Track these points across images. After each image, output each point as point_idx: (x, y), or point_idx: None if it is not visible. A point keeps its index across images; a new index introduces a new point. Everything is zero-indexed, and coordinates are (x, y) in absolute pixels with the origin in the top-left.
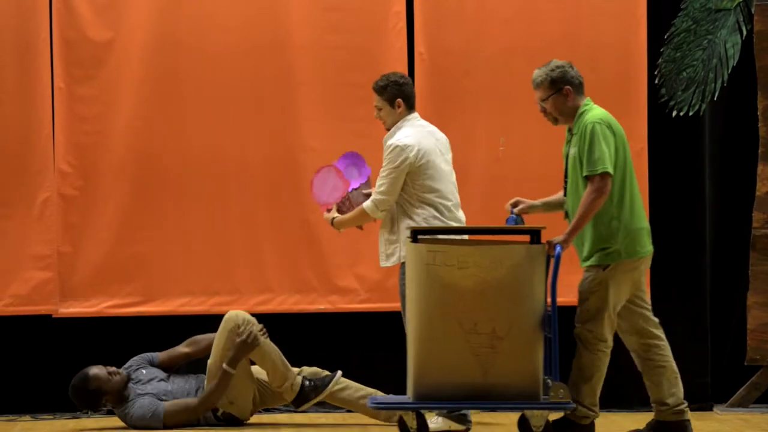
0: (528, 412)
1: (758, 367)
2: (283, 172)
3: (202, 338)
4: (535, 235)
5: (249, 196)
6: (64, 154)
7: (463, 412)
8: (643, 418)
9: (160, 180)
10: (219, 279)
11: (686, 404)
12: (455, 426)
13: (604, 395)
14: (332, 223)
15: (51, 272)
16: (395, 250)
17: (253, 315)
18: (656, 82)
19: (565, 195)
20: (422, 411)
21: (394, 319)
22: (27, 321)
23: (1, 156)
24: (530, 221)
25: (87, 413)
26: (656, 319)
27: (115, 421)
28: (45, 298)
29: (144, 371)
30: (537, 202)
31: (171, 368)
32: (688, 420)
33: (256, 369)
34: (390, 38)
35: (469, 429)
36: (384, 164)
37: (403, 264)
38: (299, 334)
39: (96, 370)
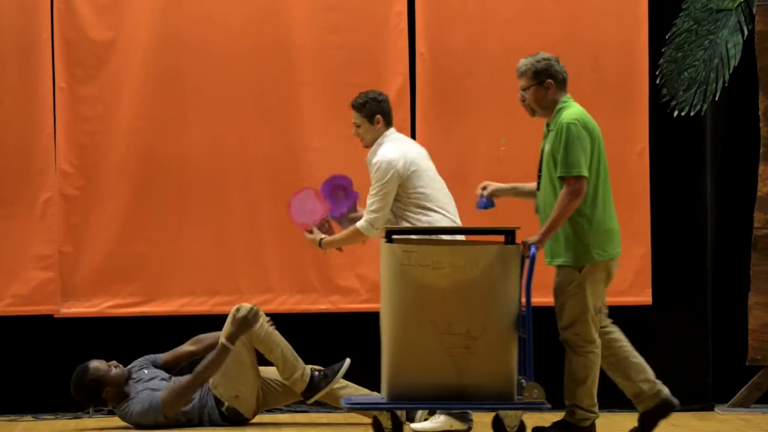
0: (502, 413)
1: (759, 367)
2: (284, 172)
3: (207, 337)
4: (509, 235)
5: (250, 196)
6: (66, 154)
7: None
8: None
9: (161, 180)
10: (220, 279)
11: (660, 382)
12: (457, 425)
13: (605, 395)
14: (319, 244)
15: (52, 272)
16: None
17: None
18: (657, 82)
19: (537, 189)
20: (397, 411)
21: None
22: (28, 321)
23: (3, 156)
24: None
25: (88, 413)
26: (607, 315)
27: (116, 422)
28: (46, 298)
29: (146, 371)
30: (506, 186)
31: (174, 368)
32: (668, 395)
33: (261, 369)
34: (391, 38)
35: (470, 428)
36: (373, 183)
37: None
38: (300, 334)
39: (96, 363)
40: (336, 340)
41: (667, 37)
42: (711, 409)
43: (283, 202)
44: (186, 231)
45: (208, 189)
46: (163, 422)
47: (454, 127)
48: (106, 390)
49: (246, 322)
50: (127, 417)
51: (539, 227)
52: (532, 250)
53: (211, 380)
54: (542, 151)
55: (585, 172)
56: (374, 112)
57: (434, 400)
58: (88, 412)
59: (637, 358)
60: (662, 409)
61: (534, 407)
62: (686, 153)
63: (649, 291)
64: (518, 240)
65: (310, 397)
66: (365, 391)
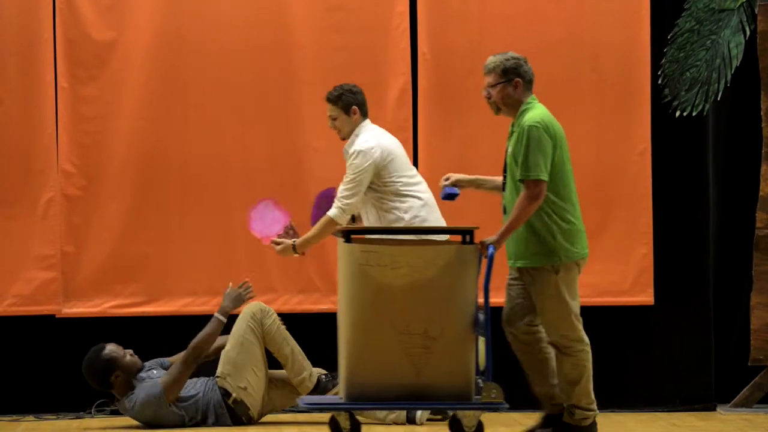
0: (460, 413)
1: (762, 367)
2: (286, 172)
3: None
4: (467, 235)
5: (252, 196)
6: (68, 154)
7: None
8: (648, 419)
9: (163, 180)
10: (222, 279)
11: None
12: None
13: (609, 395)
14: (294, 249)
15: (54, 272)
16: None
17: None
18: (659, 82)
19: (503, 189)
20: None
21: None
22: (30, 321)
23: (5, 156)
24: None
25: (90, 413)
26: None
27: (119, 421)
28: (48, 298)
29: (155, 371)
30: (469, 177)
31: None
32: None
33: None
34: (393, 38)
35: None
36: (348, 171)
37: None
38: (302, 335)
39: (112, 345)
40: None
41: (669, 37)
42: (713, 409)
43: (286, 202)
44: (188, 231)
45: (209, 189)
46: (165, 414)
47: (456, 127)
48: (116, 374)
49: (239, 297)
50: (130, 408)
51: None
52: (491, 250)
53: (219, 371)
54: (507, 152)
55: (544, 176)
56: (350, 103)
57: (393, 401)
58: (90, 412)
59: (555, 364)
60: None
61: (492, 407)
62: (688, 153)
63: (652, 291)
64: (477, 240)
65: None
66: None
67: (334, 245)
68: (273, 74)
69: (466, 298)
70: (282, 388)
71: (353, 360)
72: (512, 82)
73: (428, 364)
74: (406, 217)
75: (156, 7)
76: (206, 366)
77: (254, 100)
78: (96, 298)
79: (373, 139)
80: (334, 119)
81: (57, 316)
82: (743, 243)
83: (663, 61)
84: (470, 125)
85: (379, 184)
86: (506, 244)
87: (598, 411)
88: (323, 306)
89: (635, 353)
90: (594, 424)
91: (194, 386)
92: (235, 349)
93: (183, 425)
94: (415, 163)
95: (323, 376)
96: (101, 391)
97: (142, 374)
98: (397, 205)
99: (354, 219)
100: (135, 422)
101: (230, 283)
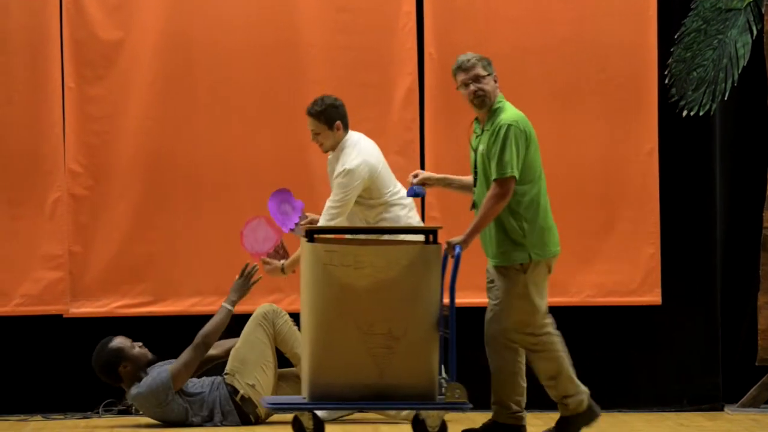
0: (424, 413)
1: None
2: (293, 172)
3: (226, 342)
4: (431, 234)
5: (259, 196)
6: (75, 154)
7: None
8: (655, 419)
9: (170, 180)
10: (229, 279)
11: (525, 412)
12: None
13: (616, 395)
14: (282, 270)
15: (62, 272)
16: None
17: None
18: (666, 81)
19: (474, 185)
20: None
21: None
22: (38, 321)
23: (12, 156)
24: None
25: (98, 412)
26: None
27: (126, 421)
28: (56, 298)
29: (165, 367)
30: (437, 176)
31: (195, 372)
32: (525, 426)
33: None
34: (400, 38)
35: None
36: (336, 189)
37: None
38: None
39: (121, 337)
40: None
41: (676, 36)
42: (720, 409)
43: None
44: (195, 231)
45: (217, 188)
46: (171, 403)
47: (463, 127)
48: (125, 364)
49: (244, 287)
50: (136, 394)
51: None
52: (457, 250)
53: (227, 368)
54: (475, 150)
55: (515, 173)
56: (334, 118)
57: (356, 401)
58: (98, 412)
59: (523, 380)
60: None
61: (456, 407)
62: (695, 153)
63: (659, 291)
64: (441, 240)
65: None
66: None
67: None
68: (280, 74)
69: (429, 298)
70: (296, 384)
71: (316, 360)
72: (493, 76)
73: (392, 364)
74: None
75: (163, 6)
76: (217, 368)
77: (261, 99)
78: (103, 297)
79: (358, 156)
80: (317, 134)
81: (64, 316)
82: (750, 243)
83: (670, 60)
84: None
85: (365, 197)
86: (482, 245)
87: (588, 390)
88: None
89: (642, 353)
90: (590, 405)
91: (201, 384)
92: (244, 347)
93: (187, 419)
94: (422, 163)
95: None
96: (110, 384)
97: (151, 368)
98: (384, 216)
99: None
100: (143, 421)
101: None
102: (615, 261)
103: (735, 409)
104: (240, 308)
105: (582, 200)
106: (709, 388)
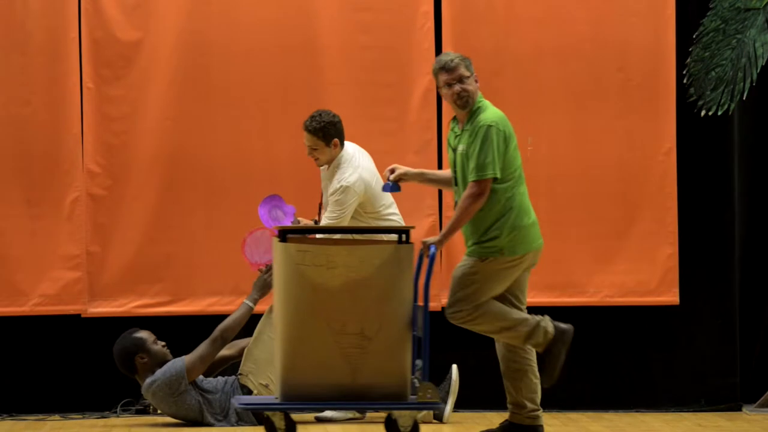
0: (396, 413)
1: None
2: (311, 172)
3: (240, 341)
4: (404, 234)
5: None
6: (93, 154)
7: None
8: (673, 419)
9: (188, 180)
10: (247, 278)
11: (541, 410)
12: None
13: (634, 395)
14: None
15: (80, 272)
16: None
17: None
18: (685, 81)
19: (455, 184)
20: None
21: None
22: (56, 321)
23: (31, 156)
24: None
25: (116, 412)
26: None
27: (144, 420)
28: (74, 298)
29: None
30: (414, 171)
31: (211, 373)
32: (542, 425)
33: None
34: (418, 38)
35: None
36: (333, 205)
37: None
38: None
39: (144, 332)
40: None
41: (694, 36)
42: (738, 409)
43: (310, 202)
44: (213, 231)
45: (234, 189)
46: (184, 394)
47: None
48: (142, 355)
49: (266, 284)
50: (150, 384)
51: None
52: (432, 249)
53: (241, 368)
54: (454, 150)
55: (495, 173)
56: (332, 135)
57: (328, 400)
58: (115, 411)
59: (537, 379)
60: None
61: (428, 407)
62: (714, 152)
63: (677, 291)
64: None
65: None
66: None
67: None
68: (298, 74)
69: (402, 297)
70: None
71: (289, 360)
72: (474, 76)
73: (364, 364)
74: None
75: (181, 6)
76: (233, 368)
77: (279, 100)
78: (121, 297)
79: (354, 172)
80: (314, 149)
81: (82, 316)
82: None
83: (688, 60)
84: None
85: (359, 210)
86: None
87: (538, 318)
88: None
89: (660, 353)
90: (557, 326)
91: (216, 383)
92: (256, 347)
93: (202, 418)
94: (439, 163)
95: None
96: (126, 374)
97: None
98: (392, 217)
99: (317, 223)
100: (160, 420)
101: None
102: (633, 261)
103: (753, 410)
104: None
105: (600, 200)
106: (727, 388)
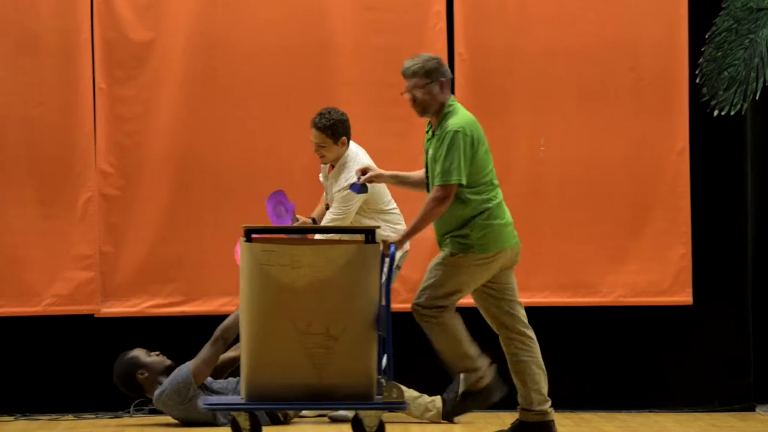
0: (362, 413)
1: None
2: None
3: None
4: (369, 234)
5: (289, 196)
6: (106, 155)
7: None
8: (687, 419)
9: (200, 180)
10: None
11: (550, 402)
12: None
13: (647, 395)
14: None
15: (93, 272)
16: None
17: None
18: (697, 81)
19: (427, 188)
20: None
21: None
22: (69, 321)
23: (44, 157)
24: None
25: (129, 412)
26: (524, 314)
27: (157, 419)
28: (87, 298)
29: None
30: (387, 173)
31: (220, 375)
32: (551, 421)
33: None
34: (430, 38)
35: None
36: (339, 202)
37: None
38: None
39: (135, 350)
40: None
41: (706, 36)
42: (752, 409)
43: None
44: (225, 231)
45: (246, 189)
46: (194, 400)
47: (493, 128)
48: (141, 371)
49: None
50: (159, 395)
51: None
52: (392, 249)
53: None
54: (427, 153)
55: (459, 179)
56: (340, 134)
57: (294, 401)
58: (129, 411)
59: (541, 371)
60: (540, 430)
61: (393, 407)
62: (726, 152)
63: (690, 291)
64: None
65: (462, 407)
66: (413, 392)
67: None
68: (310, 75)
69: (368, 297)
70: None
71: (254, 360)
72: (438, 82)
73: (330, 363)
74: (398, 228)
75: (193, 7)
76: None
77: (291, 100)
78: (134, 297)
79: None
80: (321, 146)
81: (95, 316)
82: None
83: (701, 60)
84: (507, 126)
85: (364, 207)
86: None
87: (485, 364)
88: None
89: (674, 353)
90: (493, 380)
91: (226, 384)
92: None
93: (215, 419)
94: None
95: (445, 395)
96: (134, 396)
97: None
98: (392, 210)
99: (314, 221)
100: (173, 420)
101: None
102: (646, 261)
103: (767, 410)
104: None
105: (613, 200)
106: (740, 388)
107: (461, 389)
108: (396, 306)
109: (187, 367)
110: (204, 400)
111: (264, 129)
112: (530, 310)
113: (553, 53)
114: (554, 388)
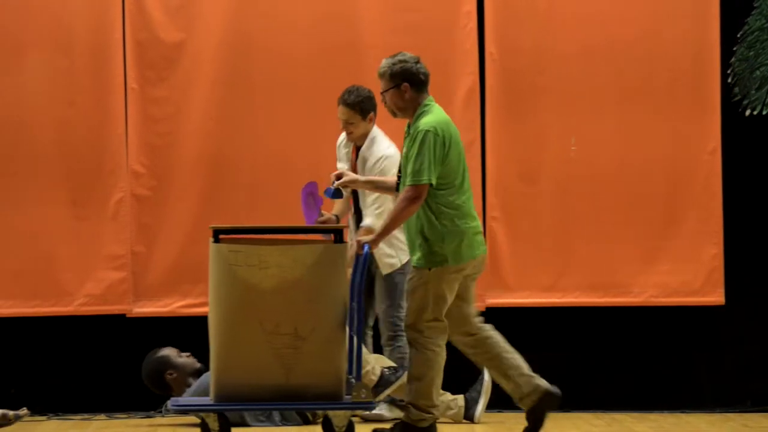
0: (331, 413)
1: None
2: None
3: None
4: (337, 234)
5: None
6: (137, 155)
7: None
8: (719, 420)
9: (231, 180)
10: None
11: (537, 376)
12: (396, 412)
13: (679, 396)
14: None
15: (125, 272)
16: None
17: None
18: (729, 81)
19: (397, 189)
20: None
21: None
22: (101, 321)
23: (76, 157)
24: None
25: (161, 411)
26: (478, 314)
27: (189, 419)
28: (119, 298)
29: None
30: (362, 178)
31: None
32: (547, 386)
33: None
34: (460, 38)
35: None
36: (376, 175)
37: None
38: None
39: (166, 349)
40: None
41: (738, 35)
42: None
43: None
44: None
45: (277, 189)
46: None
47: (524, 127)
48: (170, 372)
49: None
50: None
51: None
52: (365, 249)
53: None
54: (403, 153)
55: (429, 180)
56: (368, 110)
57: (262, 401)
58: (161, 411)
59: (510, 353)
60: (546, 402)
61: (361, 406)
62: (758, 152)
63: (722, 291)
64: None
65: (381, 392)
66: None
67: None
68: (340, 75)
69: (336, 297)
70: None
71: (222, 361)
72: (400, 86)
73: (298, 364)
74: None
75: (224, 7)
76: None
77: (322, 101)
78: (166, 297)
79: (390, 145)
80: (350, 123)
81: (127, 316)
82: None
83: (733, 59)
84: (538, 125)
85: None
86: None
87: (436, 415)
88: None
89: (706, 354)
90: (432, 427)
91: None
92: None
93: (243, 420)
94: (483, 164)
95: (386, 370)
96: (163, 394)
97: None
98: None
99: (338, 219)
100: None
101: None
102: (678, 261)
103: None
104: None
105: (645, 200)
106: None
107: (404, 418)
108: None
109: (209, 375)
110: (172, 401)
111: (294, 129)
112: (561, 310)
113: (584, 52)
114: (586, 388)
